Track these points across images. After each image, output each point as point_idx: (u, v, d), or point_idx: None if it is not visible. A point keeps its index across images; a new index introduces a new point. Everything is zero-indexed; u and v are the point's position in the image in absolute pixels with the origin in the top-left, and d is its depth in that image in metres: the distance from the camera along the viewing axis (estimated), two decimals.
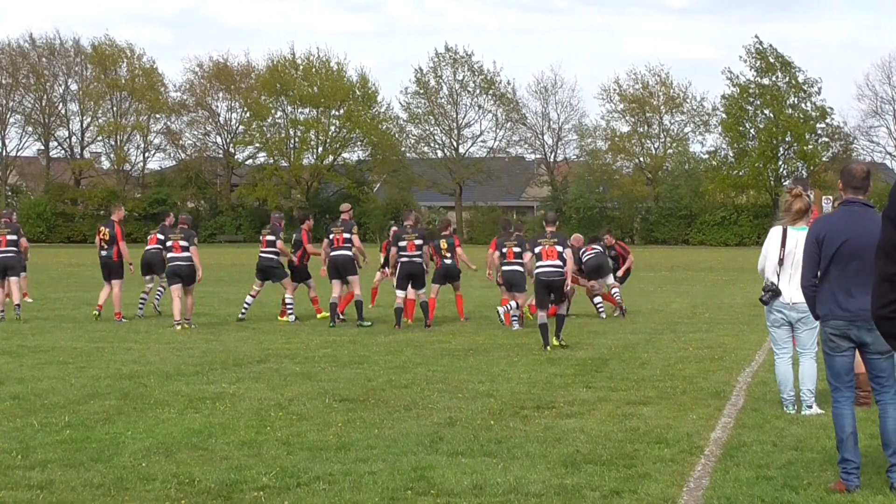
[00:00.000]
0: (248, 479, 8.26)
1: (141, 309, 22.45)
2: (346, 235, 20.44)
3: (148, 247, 22.46)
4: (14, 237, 21.80)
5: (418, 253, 20.31)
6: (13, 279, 21.71)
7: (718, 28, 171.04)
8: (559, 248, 16.94)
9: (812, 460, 8.54)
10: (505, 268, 19.80)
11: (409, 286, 20.43)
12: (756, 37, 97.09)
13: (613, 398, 11.96)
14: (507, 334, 18.85)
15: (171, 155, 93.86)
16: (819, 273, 8.25)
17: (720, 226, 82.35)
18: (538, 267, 17.11)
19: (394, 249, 20.72)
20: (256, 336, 18.57)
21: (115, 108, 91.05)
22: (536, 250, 17.20)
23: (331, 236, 20.57)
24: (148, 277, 22.53)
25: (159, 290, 23.02)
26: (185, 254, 20.28)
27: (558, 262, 16.90)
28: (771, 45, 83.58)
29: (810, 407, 10.86)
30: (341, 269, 20.40)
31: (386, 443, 9.55)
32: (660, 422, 10.55)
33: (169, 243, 20.50)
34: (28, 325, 20.61)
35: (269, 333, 18.99)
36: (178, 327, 19.87)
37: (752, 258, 17.86)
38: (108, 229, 21.84)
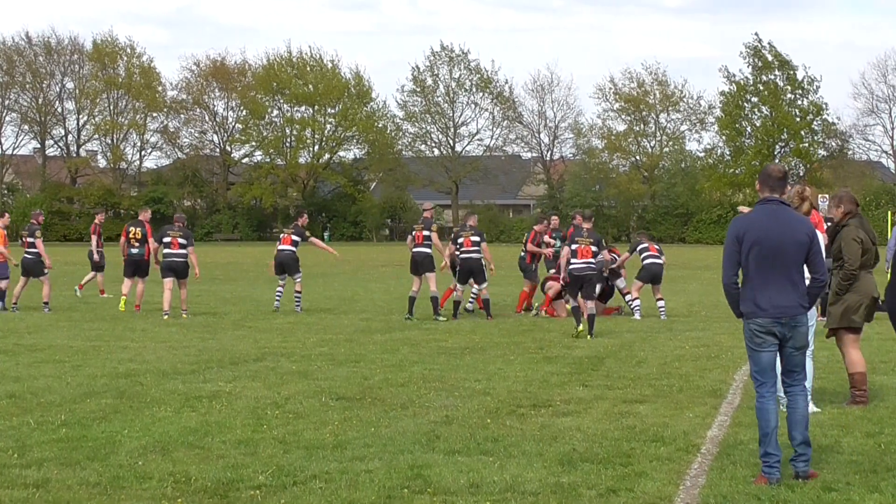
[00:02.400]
0: (245, 478, 8.26)
1: (277, 302, 22.98)
2: (426, 233, 21.02)
3: (280, 247, 22.82)
4: (31, 239, 23.22)
5: (475, 249, 20.99)
6: (41, 278, 23.06)
7: (714, 27, 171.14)
8: (594, 248, 18.64)
9: (816, 459, 8.53)
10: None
11: (471, 281, 21.45)
12: (756, 34, 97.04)
13: (610, 396, 11.97)
14: (503, 333, 18.86)
15: (168, 153, 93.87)
16: (740, 271, 8.40)
17: (717, 224, 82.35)
18: (572, 263, 18.58)
19: (452, 246, 21.46)
20: (253, 334, 18.57)
21: (111, 107, 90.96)
22: (573, 247, 18.66)
23: (413, 233, 21.26)
24: (281, 277, 22.83)
25: (296, 294, 22.95)
26: (183, 251, 21.76)
27: (591, 261, 18.57)
28: (770, 43, 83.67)
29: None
30: (419, 266, 21.00)
31: (382, 441, 9.55)
32: (656, 420, 10.56)
33: (168, 240, 21.83)
34: (24, 323, 20.61)
35: (266, 332, 18.99)
36: (166, 317, 21.17)
37: None
38: (139, 229, 23.24)
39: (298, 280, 22.77)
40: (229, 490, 7.96)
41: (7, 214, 24.68)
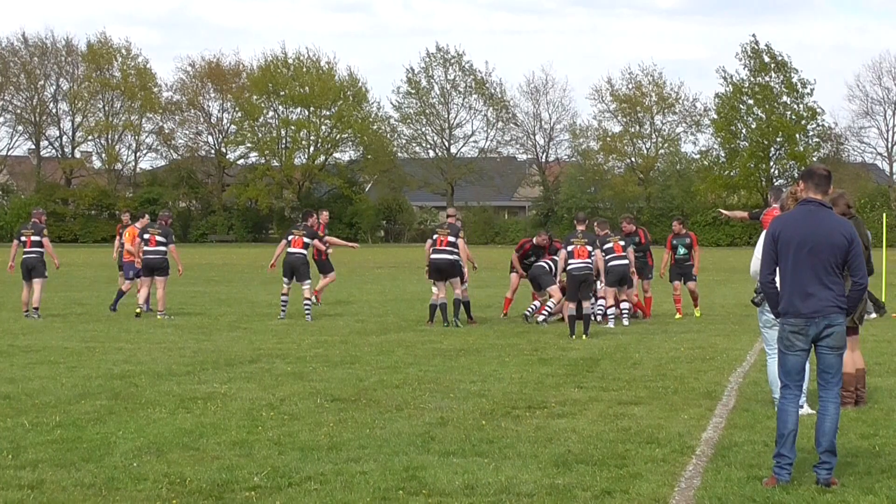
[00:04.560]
0: (240, 479, 8.26)
1: (283, 313, 21.66)
2: (451, 239, 20.41)
3: (291, 249, 21.36)
4: (37, 238, 22.06)
5: (448, 249, 20.44)
6: (36, 280, 21.86)
7: (707, 29, 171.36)
8: (589, 248, 18.98)
9: (803, 460, 8.55)
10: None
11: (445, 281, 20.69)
12: (753, 36, 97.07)
13: (605, 398, 11.97)
14: (498, 334, 18.86)
15: (163, 154, 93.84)
16: (777, 270, 8.40)
17: (712, 226, 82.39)
18: (570, 264, 18.90)
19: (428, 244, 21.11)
20: (248, 336, 18.56)
21: (106, 108, 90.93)
22: (569, 248, 19.04)
23: (435, 237, 20.60)
24: (287, 281, 21.49)
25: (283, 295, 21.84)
26: (162, 248, 21.92)
27: (588, 261, 18.91)
28: (768, 45, 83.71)
29: (801, 407, 10.86)
30: (442, 272, 20.32)
31: (377, 443, 9.55)
32: (651, 422, 10.56)
33: (147, 236, 22.13)
34: (19, 324, 20.59)
35: (261, 333, 18.98)
36: (160, 316, 21.45)
37: (744, 258, 17.87)
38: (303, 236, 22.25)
39: (307, 287, 21.36)
40: (224, 491, 7.96)
41: (147, 216, 24.17)
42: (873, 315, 21.09)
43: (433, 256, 20.42)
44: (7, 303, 25.28)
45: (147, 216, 24.07)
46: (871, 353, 15.52)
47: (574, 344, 17.33)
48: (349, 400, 11.80)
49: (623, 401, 11.79)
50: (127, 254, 23.77)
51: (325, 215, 24.25)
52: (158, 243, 21.97)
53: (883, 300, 23.69)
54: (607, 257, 20.22)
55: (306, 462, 8.83)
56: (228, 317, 22.15)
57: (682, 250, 22.75)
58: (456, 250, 20.38)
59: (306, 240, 21.41)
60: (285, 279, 21.50)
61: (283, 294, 21.72)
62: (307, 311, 21.35)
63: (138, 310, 21.82)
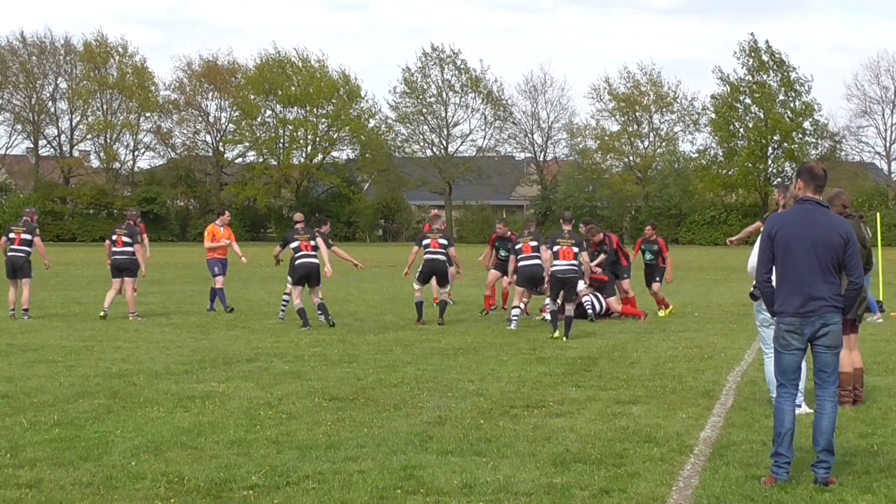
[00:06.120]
0: (238, 478, 8.26)
1: (283, 313, 21.34)
2: (313, 242, 20.20)
3: (303, 253, 20.35)
4: (28, 236, 21.72)
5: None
6: (24, 281, 21.56)
7: (704, 28, 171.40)
8: (575, 250, 18.56)
9: (801, 459, 8.56)
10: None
11: (434, 282, 21.16)
12: (751, 34, 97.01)
13: (603, 397, 11.98)
14: (496, 333, 18.86)
15: (161, 154, 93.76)
16: (774, 269, 8.40)
17: (710, 225, 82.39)
18: (554, 265, 18.50)
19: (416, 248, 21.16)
20: (246, 335, 18.56)
21: (104, 107, 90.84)
22: (554, 249, 18.58)
23: (297, 243, 20.14)
24: (297, 286, 20.60)
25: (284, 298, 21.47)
26: (129, 248, 21.54)
27: (574, 262, 18.47)
28: (767, 43, 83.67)
29: (798, 406, 10.87)
30: (313, 276, 20.04)
31: (375, 442, 9.56)
32: (649, 421, 10.57)
33: (114, 237, 21.81)
34: (17, 323, 20.57)
35: (259, 332, 18.99)
36: (132, 318, 21.17)
37: (742, 257, 17.86)
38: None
39: (320, 292, 20.55)
40: (222, 490, 7.96)
41: (227, 212, 24.15)
42: (878, 318, 21.07)
43: (303, 260, 19.95)
44: (4, 302, 25.24)
45: (227, 213, 24.20)
46: (870, 352, 15.53)
47: (572, 343, 17.33)
48: (347, 399, 11.81)
49: (621, 400, 11.80)
50: (209, 251, 23.35)
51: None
52: (125, 244, 21.51)
53: (881, 299, 23.70)
54: (518, 258, 19.97)
55: (304, 461, 8.83)
56: (226, 315, 22.15)
57: (648, 256, 23.03)
58: (317, 253, 20.11)
59: (312, 243, 20.63)
60: (291, 279, 20.65)
61: (285, 294, 21.31)
62: (326, 315, 20.71)
63: (102, 313, 21.29)
